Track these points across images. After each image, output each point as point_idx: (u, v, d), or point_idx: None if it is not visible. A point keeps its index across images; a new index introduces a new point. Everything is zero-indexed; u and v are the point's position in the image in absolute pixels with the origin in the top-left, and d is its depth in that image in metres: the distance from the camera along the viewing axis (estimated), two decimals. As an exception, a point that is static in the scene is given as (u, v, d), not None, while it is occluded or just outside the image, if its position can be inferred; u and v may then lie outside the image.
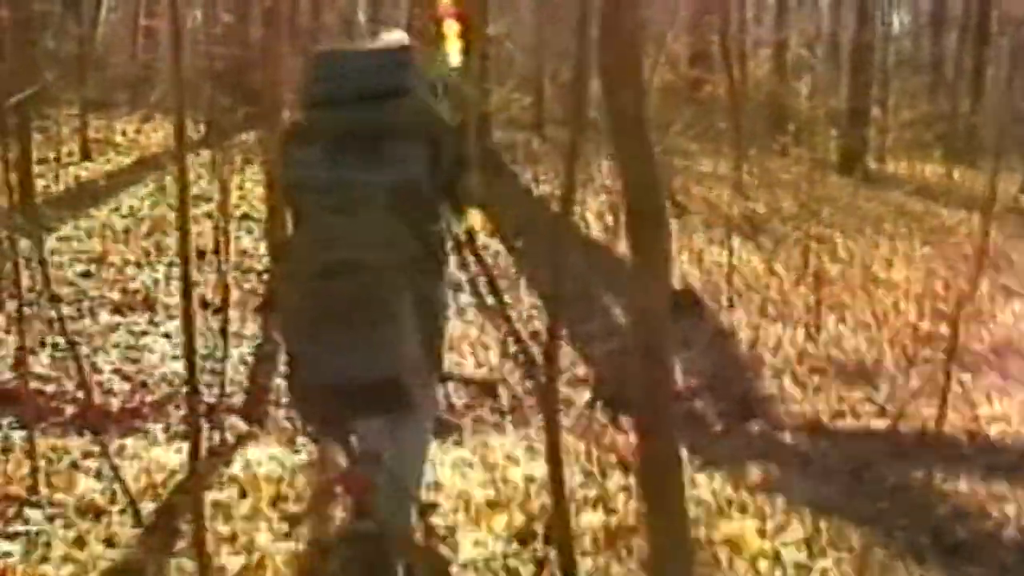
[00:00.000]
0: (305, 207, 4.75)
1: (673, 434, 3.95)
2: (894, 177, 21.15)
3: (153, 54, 21.99)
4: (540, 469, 5.54)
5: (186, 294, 3.98)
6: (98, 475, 5.72)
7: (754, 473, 6.23)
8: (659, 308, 3.73)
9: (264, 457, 6.18)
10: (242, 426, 7.03)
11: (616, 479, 5.89)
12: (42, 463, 5.74)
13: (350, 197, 4.57)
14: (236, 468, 5.96)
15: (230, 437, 6.70)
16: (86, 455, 6.06)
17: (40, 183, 12.95)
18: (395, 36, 5.11)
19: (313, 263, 4.59)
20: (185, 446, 5.54)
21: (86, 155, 15.49)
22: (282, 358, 7.19)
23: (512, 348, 9.06)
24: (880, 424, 7.55)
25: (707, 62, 20.72)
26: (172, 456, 6.16)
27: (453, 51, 5.84)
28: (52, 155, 14.74)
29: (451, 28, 5.92)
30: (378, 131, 4.63)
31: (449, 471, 5.96)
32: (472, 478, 5.90)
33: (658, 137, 9.01)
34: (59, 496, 5.45)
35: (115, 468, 5.50)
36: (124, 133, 17.20)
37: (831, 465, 6.57)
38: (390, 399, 4.58)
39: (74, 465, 5.93)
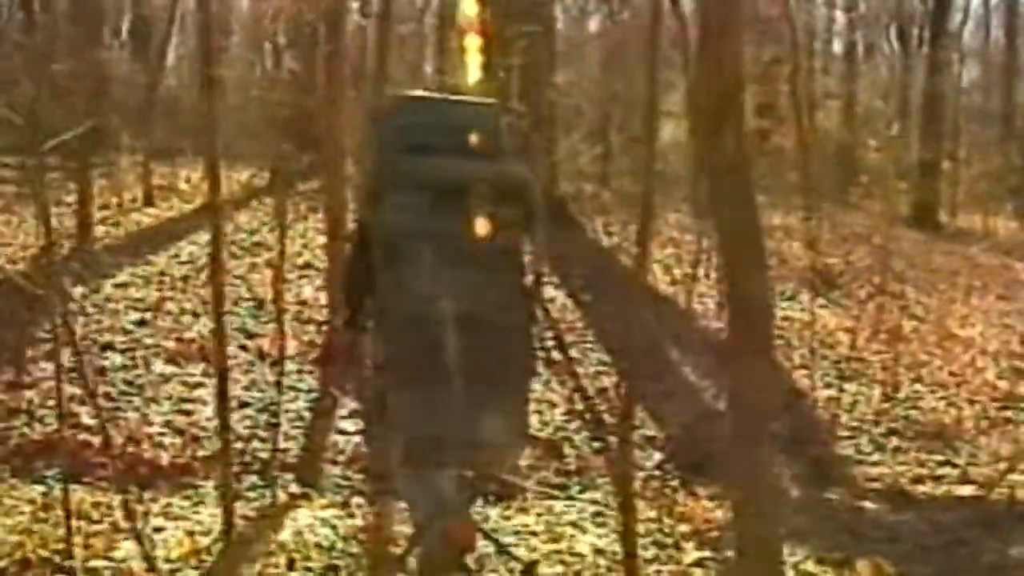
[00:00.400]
0: (405, 253, 4.60)
1: (775, 508, 3.56)
2: (966, 230, 20.72)
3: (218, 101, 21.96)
4: (609, 538, 5.20)
5: (220, 344, 3.72)
6: (139, 537, 5.40)
7: (837, 548, 5.82)
8: (760, 360, 3.35)
9: (316, 521, 5.85)
10: (294, 487, 6.70)
11: (691, 551, 5.51)
12: (82, 523, 5.44)
13: (456, 249, 4.48)
14: (286, 534, 5.63)
15: (282, 496, 6.40)
16: (128, 514, 5.75)
17: (102, 228, 12.83)
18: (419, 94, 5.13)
19: (420, 312, 4.47)
20: (236, 505, 5.28)
21: (149, 201, 15.39)
22: (358, 406, 6.93)
23: (579, 406, 8.66)
24: (965, 491, 7.15)
25: (774, 113, 20.37)
26: (220, 516, 5.84)
27: (473, 64, 5.68)
28: (115, 200, 14.64)
29: (472, 42, 5.77)
30: (480, 186, 4.55)
31: (513, 539, 5.60)
32: (537, 547, 5.54)
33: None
34: (94, 562, 5.12)
35: (143, 541, 5.17)
36: (188, 180, 17.08)
37: (920, 540, 6.15)
38: (506, 461, 4.60)
39: (115, 526, 5.62)
